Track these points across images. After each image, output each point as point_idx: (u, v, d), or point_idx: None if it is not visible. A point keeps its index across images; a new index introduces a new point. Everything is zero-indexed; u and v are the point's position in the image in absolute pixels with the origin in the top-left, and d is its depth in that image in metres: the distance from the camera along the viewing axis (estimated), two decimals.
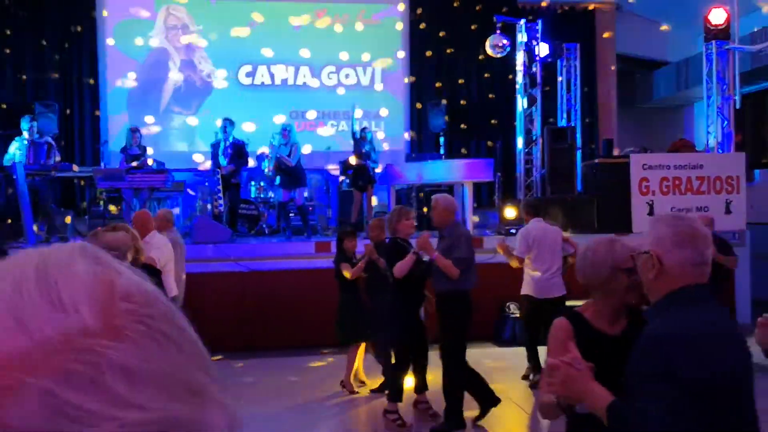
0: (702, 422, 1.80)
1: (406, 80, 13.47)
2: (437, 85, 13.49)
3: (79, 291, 0.47)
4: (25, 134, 9.56)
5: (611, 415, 1.86)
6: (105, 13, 12.61)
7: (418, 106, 13.28)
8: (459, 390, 5.20)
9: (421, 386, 5.67)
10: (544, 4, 13.07)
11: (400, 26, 13.46)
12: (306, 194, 10.59)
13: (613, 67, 14.04)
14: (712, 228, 6.61)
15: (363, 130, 10.69)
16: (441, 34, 13.42)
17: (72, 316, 0.45)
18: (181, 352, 0.49)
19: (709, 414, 1.81)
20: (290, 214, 10.25)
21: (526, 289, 6.46)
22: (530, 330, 6.52)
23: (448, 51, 13.47)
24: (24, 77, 12.31)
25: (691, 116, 15.31)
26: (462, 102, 13.49)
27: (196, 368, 0.50)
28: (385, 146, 13.01)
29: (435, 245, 5.25)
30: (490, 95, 13.52)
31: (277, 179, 10.11)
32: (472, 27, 13.13)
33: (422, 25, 13.40)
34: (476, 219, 10.66)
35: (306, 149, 11.49)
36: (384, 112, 13.38)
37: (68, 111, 12.37)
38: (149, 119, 12.57)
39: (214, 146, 10.33)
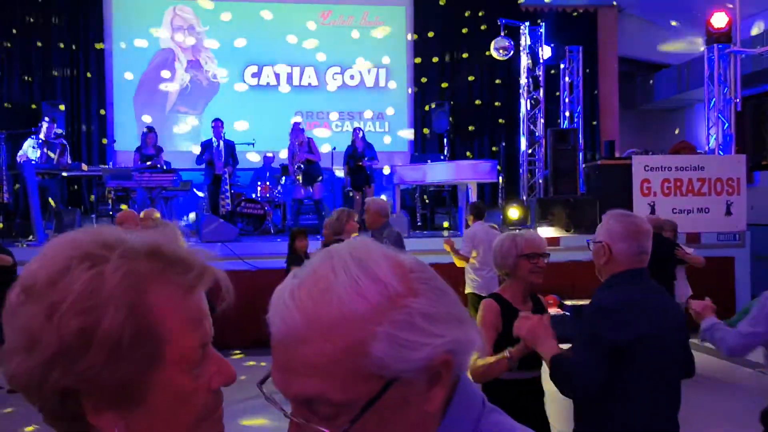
0: (622, 377, 2.24)
1: (411, 81, 13.58)
2: (441, 86, 13.61)
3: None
4: (42, 133, 9.68)
5: (553, 363, 2.32)
6: (112, 13, 12.73)
7: (426, 108, 13.38)
8: None
9: None
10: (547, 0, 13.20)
11: (404, 28, 13.57)
12: (325, 188, 10.79)
13: (614, 70, 14.15)
14: (675, 232, 6.83)
15: (355, 130, 10.82)
16: (445, 36, 13.53)
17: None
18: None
19: (627, 371, 2.24)
20: (301, 214, 10.47)
21: (470, 288, 6.77)
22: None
23: (453, 53, 13.59)
24: (31, 77, 12.43)
25: (692, 118, 15.42)
26: (466, 103, 13.61)
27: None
28: (390, 147, 13.12)
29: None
30: (494, 97, 13.64)
31: (300, 178, 10.32)
32: (477, 29, 13.25)
33: (426, 27, 13.51)
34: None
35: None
36: (388, 113, 13.50)
37: (75, 111, 12.49)
38: (156, 119, 12.67)
39: (207, 147, 10.37)
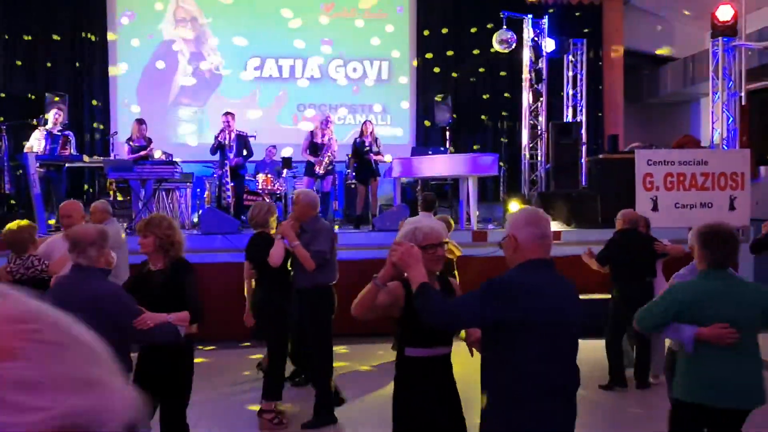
0: (511, 352, 2.53)
1: (414, 74, 13.53)
2: (445, 79, 13.55)
3: None
4: (49, 124, 9.68)
5: (420, 288, 2.58)
6: (116, 5, 12.73)
7: (429, 101, 13.33)
8: (327, 385, 5.20)
9: (275, 393, 5.45)
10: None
11: (406, 20, 13.51)
12: (332, 181, 10.75)
13: (620, 63, 14.05)
14: (648, 228, 6.77)
15: (365, 123, 10.78)
16: (448, 28, 13.47)
17: None
18: (74, 353, 0.60)
19: (517, 347, 2.51)
20: None
21: None
22: None
23: (456, 46, 13.53)
24: (33, 68, 12.45)
25: (697, 112, 15.31)
26: (469, 97, 13.55)
27: (90, 364, 0.61)
28: (392, 140, 13.08)
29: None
30: (498, 90, 13.58)
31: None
32: (481, 22, 13.19)
33: (430, 20, 13.46)
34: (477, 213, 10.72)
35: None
36: (391, 106, 13.46)
37: (78, 102, 12.50)
38: (158, 111, 12.68)
39: (219, 139, 10.35)
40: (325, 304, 5.22)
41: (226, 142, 10.15)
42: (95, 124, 12.73)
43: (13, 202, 10.76)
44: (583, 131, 12.71)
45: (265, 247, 5.15)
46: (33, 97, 12.06)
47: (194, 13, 13.04)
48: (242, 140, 10.28)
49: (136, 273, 3.89)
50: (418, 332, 2.98)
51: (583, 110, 12.85)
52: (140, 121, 10.48)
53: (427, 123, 13.49)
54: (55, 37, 12.54)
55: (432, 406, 3.02)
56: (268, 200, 10.57)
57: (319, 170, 10.18)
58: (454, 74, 13.59)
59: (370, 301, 2.94)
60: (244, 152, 10.32)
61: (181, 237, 3.83)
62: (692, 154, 9.86)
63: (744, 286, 3.36)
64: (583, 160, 11.93)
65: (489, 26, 12.44)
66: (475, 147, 13.24)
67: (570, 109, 12.83)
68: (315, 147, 10.19)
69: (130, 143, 10.38)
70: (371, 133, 10.54)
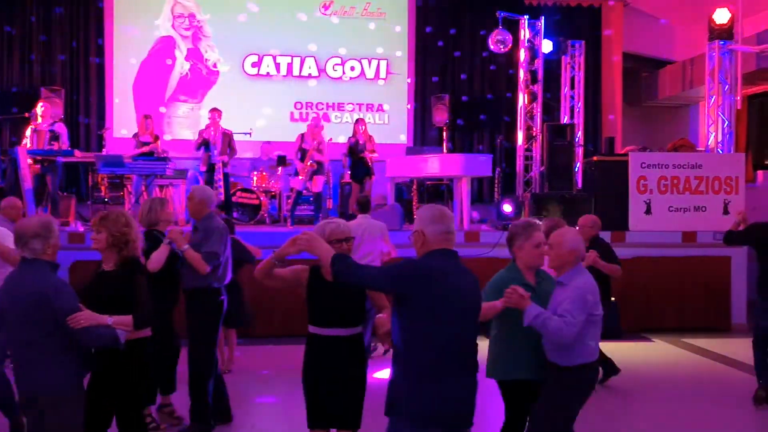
0: (409, 327, 2.85)
1: (411, 74, 13.50)
2: (442, 78, 13.53)
3: None
4: (39, 119, 9.67)
5: (337, 256, 2.90)
6: (113, 1, 12.72)
7: (426, 101, 13.30)
8: (205, 390, 4.91)
9: (168, 387, 5.31)
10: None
11: (405, 19, 13.49)
12: (324, 181, 10.74)
13: (618, 65, 14.00)
14: (597, 231, 6.52)
15: (358, 121, 10.76)
16: (446, 28, 13.45)
17: None
18: None
19: (414, 322, 2.83)
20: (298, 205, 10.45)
21: None
22: None
23: (452, 45, 13.51)
24: (31, 62, 12.44)
25: (696, 115, 15.25)
26: (466, 97, 13.53)
27: None
28: (388, 139, 13.06)
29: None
30: (495, 91, 13.55)
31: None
32: (478, 22, 13.16)
33: (427, 19, 13.44)
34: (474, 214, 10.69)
35: None
36: (387, 105, 13.44)
37: (74, 96, 12.50)
38: (155, 106, 12.66)
39: (204, 135, 10.28)
40: (212, 306, 4.95)
41: (211, 139, 10.10)
42: (90, 119, 12.71)
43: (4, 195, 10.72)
44: (580, 133, 12.67)
45: (152, 247, 4.84)
46: (28, 91, 12.03)
47: (192, 8, 13.02)
48: (227, 138, 10.24)
49: (92, 273, 3.73)
50: (317, 312, 3.55)
51: (581, 112, 12.81)
52: (147, 117, 10.49)
53: (424, 123, 13.45)
54: (51, 31, 12.52)
55: (313, 381, 3.54)
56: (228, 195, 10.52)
57: (302, 176, 10.12)
58: (452, 74, 13.55)
59: (267, 269, 3.47)
60: (228, 149, 10.26)
61: (136, 236, 3.67)
62: (686, 157, 9.82)
63: None
64: (579, 163, 11.89)
65: (487, 26, 12.38)
66: (480, 147, 13.21)
67: (567, 111, 12.79)
68: (304, 152, 10.19)
69: (137, 138, 10.38)
70: (364, 131, 10.51)
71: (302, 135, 10.35)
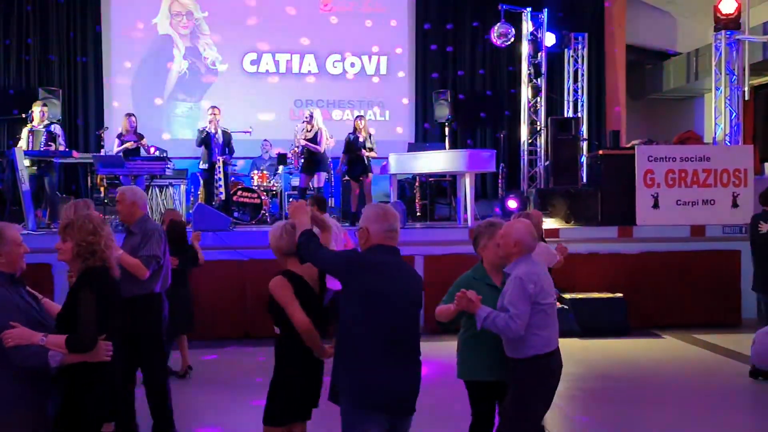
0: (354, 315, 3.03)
1: (412, 70, 13.36)
2: (443, 75, 13.38)
3: None
4: (35, 120, 9.55)
5: (304, 233, 3.18)
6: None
7: (428, 97, 13.15)
8: (166, 395, 4.74)
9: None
10: None
11: (405, 15, 13.34)
12: (326, 177, 10.63)
13: (622, 58, 13.83)
14: (540, 227, 6.38)
15: (357, 118, 10.63)
16: (447, 23, 13.30)
17: None
18: None
19: (358, 309, 3.03)
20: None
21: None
22: None
23: (455, 40, 13.35)
24: (28, 63, 12.32)
25: (701, 108, 15.08)
26: (468, 92, 13.38)
27: None
28: (390, 136, 12.92)
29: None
30: (497, 86, 13.40)
31: (300, 165, 10.26)
32: (479, 16, 13.00)
33: (428, 15, 13.29)
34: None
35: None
36: (389, 101, 13.29)
37: (72, 97, 12.37)
38: (154, 106, 12.54)
39: (204, 135, 10.15)
40: (155, 316, 4.66)
41: (215, 136, 9.95)
42: (88, 120, 12.58)
43: (4, 197, 10.61)
44: (584, 127, 12.51)
45: None
46: (26, 92, 11.91)
47: (189, 6, 12.89)
48: (227, 136, 10.12)
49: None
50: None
51: (585, 106, 12.65)
52: (129, 115, 10.32)
53: (426, 119, 13.31)
54: (48, 31, 12.39)
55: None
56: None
57: (294, 166, 10.05)
58: (453, 69, 13.40)
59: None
60: (227, 148, 10.14)
61: (108, 243, 3.20)
62: (694, 150, 9.67)
63: None
64: (583, 157, 11.74)
65: (489, 20, 12.23)
66: (489, 145, 13.06)
67: (571, 105, 12.63)
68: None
69: (121, 138, 10.24)
70: (363, 128, 10.38)
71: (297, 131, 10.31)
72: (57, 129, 9.81)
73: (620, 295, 8.64)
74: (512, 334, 3.48)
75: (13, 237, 3.11)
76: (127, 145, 10.00)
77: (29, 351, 2.94)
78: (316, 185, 10.18)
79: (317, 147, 10.03)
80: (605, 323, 8.43)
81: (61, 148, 9.67)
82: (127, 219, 4.74)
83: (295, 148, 10.29)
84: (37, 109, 9.66)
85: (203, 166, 10.08)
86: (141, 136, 10.27)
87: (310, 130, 10.12)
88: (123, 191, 4.81)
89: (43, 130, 9.54)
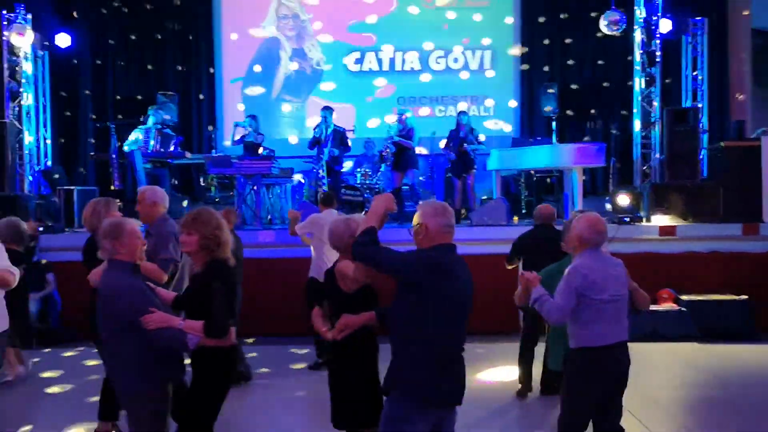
0: (418, 313, 3.03)
1: (517, 63, 13.03)
2: (550, 67, 12.97)
3: None
4: (150, 122, 10.08)
5: (367, 231, 3.11)
6: (222, 6, 13.09)
7: (534, 91, 12.79)
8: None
9: (111, 413, 4.80)
10: None
11: (510, 8, 13.03)
12: (421, 178, 10.61)
13: (746, 43, 12.85)
14: (554, 219, 6.18)
15: (460, 114, 10.48)
16: (553, 14, 12.87)
17: None
18: None
19: (423, 308, 3.02)
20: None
21: (311, 272, 6.66)
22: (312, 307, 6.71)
23: (561, 31, 12.90)
24: (145, 69, 13.02)
25: None
26: (576, 85, 12.89)
27: None
28: (494, 131, 12.68)
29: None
30: (606, 77, 12.82)
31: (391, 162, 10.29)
32: (587, 5, 12.49)
33: (532, 7, 12.92)
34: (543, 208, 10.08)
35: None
36: (493, 96, 13.04)
37: (186, 101, 12.95)
38: (262, 107, 12.91)
39: (317, 134, 10.42)
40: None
41: (322, 137, 10.18)
42: (201, 122, 13.15)
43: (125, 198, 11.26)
44: (705, 118, 11.74)
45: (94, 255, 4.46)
46: (143, 97, 12.57)
47: (296, 9, 13.19)
48: (338, 135, 10.25)
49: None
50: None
51: (705, 95, 11.87)
52: (253, 117, 10.75)
53: (532, 113, 12.95)
54: (164, 38, 13.04)
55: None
56: (366, 196, 10.47)
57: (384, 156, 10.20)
58: (560, 61, 12.96)
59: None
60: (341, 147, 10.27)
61: (228, 238, 3.47)
62: None
63: None
64: (703, 150, 11.03)
65: (596, 9, 11.70)
66: (584, 138, 12.57)
67: (690, 94, 11.89)
68: (316, 141, 10.28)
69: (244, 139, 10.62)
70: (467, 123, 10.23)
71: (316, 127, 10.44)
72: (172, 132, 10.31)
73: (745, 297, 8.03)
74: (552, 321, 3.72)
75: (132, 229, 3.36)
76: (261, 150, 10.37)
77: (169, 333, 3.20)
78: (406, 182, 10.12)
79: (409, 142, 10.00)
80: (728, 327, 7.88)
81: (176, 150, 10.16)
82: (146, 220, 4.60)
83: (387, 149, 10.23)
84: (154, 113, 10.18)
85: (316, 166, 10.32)
86: (263, 137, 10.66)
87: (404, 129, 10.08)
88: (143, 191, 4.71)
89: (160, 132, 10.04)
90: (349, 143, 10.52)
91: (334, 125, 10.33)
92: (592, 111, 12.81)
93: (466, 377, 3.20)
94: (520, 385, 5.89)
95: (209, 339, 3.27)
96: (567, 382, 3.76)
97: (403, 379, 3.06)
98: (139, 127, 10.09)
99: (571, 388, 3.73)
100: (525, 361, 5.92)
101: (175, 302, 3.54)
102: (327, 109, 10.41)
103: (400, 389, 3.07)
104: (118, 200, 5.26)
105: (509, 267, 6.20)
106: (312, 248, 6.67)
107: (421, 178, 11.43)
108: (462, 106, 12.31)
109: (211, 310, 3.26)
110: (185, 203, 10.56)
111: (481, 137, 10.63)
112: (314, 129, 10.62)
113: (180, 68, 13.11)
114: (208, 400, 3.37)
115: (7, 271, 3.46)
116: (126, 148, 9.85)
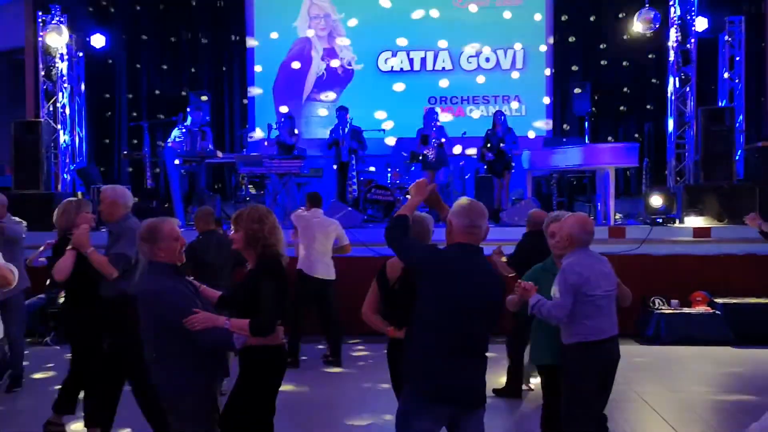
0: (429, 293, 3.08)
1: (549, 63, 12.92)
2: (583, 66, 12.83)
3: None
4: (187, 122, 10.22)
5: (398, 216, 3.22)
6: (254, 6, 13.20)
7: (566, 91, 12.66)
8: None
9: (66, 406, 4.90)
10: None
11: (542, 7, 12.92)
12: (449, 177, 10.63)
13: None
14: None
15: (497, 114, 10.43)
16: (586, 12, 12.73)
17: None
18: None
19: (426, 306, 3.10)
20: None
21: (299, 264, 6.92)
22: (298, 304, 6.84)
23: (594, 30, 12.76)
24: (178, 69, 13.20)
25: None
26: (609, 85, 12.74)
27: None
28: (527, 131, 12.58)
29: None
30: (640, 77, 12.66)
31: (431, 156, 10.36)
32: (620, 3, 12.34)
33: (563, 6, 12.80)
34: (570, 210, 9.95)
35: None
36: (525, 96, 12.94)
37: (217, 100, 13.09)
38: (293, 107, 13.00)
39: (335, 135, 10.46)
40: (131, 316, 4.34)
41: (341, 138, 10.25)
42: (233, 122, 13.27)
43: (158, 195, 11.42)
44: (741, 118, 11.52)
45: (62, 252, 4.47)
46: (175, 96, 12.74)
47: (327, 9, 13.24)
48: (355, 134, 10.31)
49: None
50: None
51: (742, 95, 11.63)
52: (290, 117, 10.84)
53: (565, 114, 12.82)
54: (198, 39, 13.19)
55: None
56: (393, 194, 10.48)
57: (425, 152, 10.27)
58: (593, 61, 12.81)
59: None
60: (357, 144, 10.34)
61: (272, 231, 3.40)
62: None
63: None
64: (739, 150, 10.81)
65: (629, 8, 11.54)
66: (616, 138, 12.41)
67: (726, 95, 11.66)
68: (335, 141, 10.39)
69: (278, 139, 10.71)
70: (503, 122, 10.19)
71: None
72: (204, 131, 10.42)
73: None
74: (555, 321, 3.76)
75: (170, 231, 3.32)
76: (293, 151, 10.47)
77: (215, 334, 3.16)
78: (440, 182, 10.13)
79: (439, 140, 10.05)
80: (764, 331, 7.72)
81: (208, 149, 10.27)
82: (108, 218, 4.64)
83: (436, 143, 10.29)
84: (187, 112, 10.30)
85: (335, 166, 10.38)
86: (298, 136, 10.77)
87: (434, 126, 10.11)
88: (105, 190, 4.69)
89: (192, 131, 10.16)
90: (365, 142, 10.57)
91: (351, 124, 10.37)
92: (624, 109, 12.65)
93: (484, 380, 3.17)
94: (509, 386, 5.94)
95: (255, 338, 3.24)
96: (568, 376, 3.82)
97: (410, 373, 3.12)
98: (178, 126, 10.21)
99: (574, 381, 3.79)
100: (516, 362, 5.94)
101: (220, 300, 3.54)
102: (342, 109, 10.46)
103: (409, 383, 3.13)
104: (90, 201, 5.48)
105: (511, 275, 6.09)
106: (300, 245, 6.91)
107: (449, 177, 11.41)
108: (499, 108, 12.20)
109: (259, 308, 3.25)
110: (216, 201, 10.67)
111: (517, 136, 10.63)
112: (331, 130, 10.69)
113: (212, 68, 13.26)
114: (257, 399, 3.34)
115: (8, 270, 3.54)
116: (170, 143, 9.99)
